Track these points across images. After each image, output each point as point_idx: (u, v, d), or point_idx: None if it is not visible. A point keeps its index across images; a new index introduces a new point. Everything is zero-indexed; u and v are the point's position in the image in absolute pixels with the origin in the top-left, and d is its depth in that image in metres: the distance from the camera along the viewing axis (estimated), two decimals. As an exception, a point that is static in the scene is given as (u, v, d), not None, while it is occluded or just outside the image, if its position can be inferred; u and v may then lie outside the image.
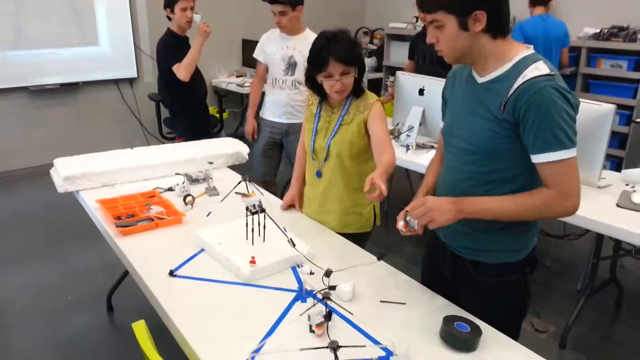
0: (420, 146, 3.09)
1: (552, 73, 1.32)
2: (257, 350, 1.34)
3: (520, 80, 1.33)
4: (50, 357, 2.53)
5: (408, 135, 3.09)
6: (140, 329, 1.34)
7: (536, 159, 1.36)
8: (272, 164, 3.50)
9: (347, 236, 2.00)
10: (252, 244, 1.82)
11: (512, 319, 1.58)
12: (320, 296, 1.47)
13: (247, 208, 1.80)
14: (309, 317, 1.45)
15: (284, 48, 3.22)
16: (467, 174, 1.49)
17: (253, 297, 1.59)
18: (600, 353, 2.63)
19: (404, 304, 1.57)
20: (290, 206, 2.28)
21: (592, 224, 2.30)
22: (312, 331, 1.42)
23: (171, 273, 1.69)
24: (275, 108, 3.34)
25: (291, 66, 3.22)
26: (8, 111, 4.84)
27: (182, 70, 3.36)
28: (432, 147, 3.09)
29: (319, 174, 2.14)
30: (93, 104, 5.29)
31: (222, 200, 2.23)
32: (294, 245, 1.72)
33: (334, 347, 1.14)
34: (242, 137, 3.21)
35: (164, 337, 1.53)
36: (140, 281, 1.72)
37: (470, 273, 1.56)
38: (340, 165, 2.07)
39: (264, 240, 1.85)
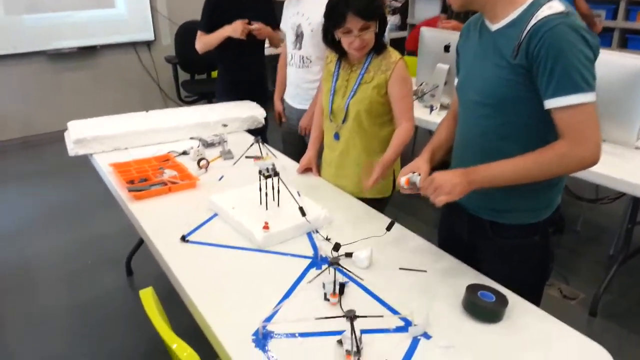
0: (444, 107, 2.94)
1: (566, 11, 1.21)
2: (268, 319, 1.28)
3: (533, 21, 1.23)
4: (73, 316, 2.56)
5: (432, 95, 2.95)
6: (147, 296, 1.29)
7: (550, 104, 1.24)
8: (292, 153, 2.73)
9: (366, 201, 1.91)
10: (266, 209, 1.75)
11: (533, 284, 1.49)
12: (335, 264, 1.39)
13: (260, 172, 1.72)
14: (323, 284, 1.38)
15: (295, 15, 2.56)
16: (481, 128, 1.40)
17: (266, 263, 1.53)
18: (632, 322, 2.53)
19: (425, 271, 1.49)
20: (307, 170, 2.19)
21: (628, 186, 2.15)
22: (326, 299, 1.36)
23: (183, 238, 1.63)
24: (289, 89, 2.76)
25: (299, 38, 2.57)
26: (27, 76, 4.82)
27: (198, 43, 2.94)
28: (458, 107, 2.94)
29: (336, 136, 2.04)
30: (111, 67, 5.23)
31: (234, 164, 2.15)
32: (304, 214, 1.64)
33: (351, 316, 1.07)
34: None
35: (178, 303, 1.49)
36: (152, 247, 1.67)
37: (490, 235, 1.46)
38: (358, 127, 1.97)
39: (278, 205, 1.77)
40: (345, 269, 1.46)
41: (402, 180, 1.42)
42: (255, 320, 1.27)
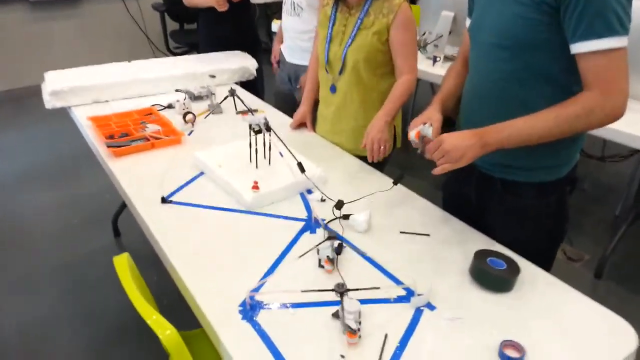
0: (449, 58, 2.76)
1: None
2: (257, 289, 1.16)
3: None
4: (58, 278, 2.45)
5: (436, 46, 2.76)
6: (121, 263, 1.17)
7: (577, 48, 1.09)
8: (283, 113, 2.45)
9: (364, 159, 1.77)
10: (256, 167, 1.61)
11: (546, 248, 1.37)
12: (332, 239, 1.26)
13: (250, 126, 1.57)
14: (317, 250, 1.26)
15: None
16: (498, 74, 1.24)
17: (255, 226, 1.40)
18: (638, 285, 2.45)
19: (428, 235, 1.37)
20: (300, 125, 2.04)
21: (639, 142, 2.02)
22: (321, 266, 1.24)
23: (163, 199, 1.50)
24: (285, 39, 2.53)
25: None
26: (8, 25, 4.56)
27: None
28: (462, 59, 2.76)
29: (333, 89, 1.88)
30: (97, 16, 4.95)
31: (206, 117, 1.99)
32: (303, 170, 1.50)
33: (341, 291, 0.95)
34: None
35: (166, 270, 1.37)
36: (132, 207, 1.54)
37: (502, 196, 1.34)
38: (357, 78, 1.80)
39: (269, 164, 1.63)
40: (341, 239, 1.33)
41: (412, 133, 1.27)
42: (242, 289, 1.15)
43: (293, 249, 1.31)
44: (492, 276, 1.16)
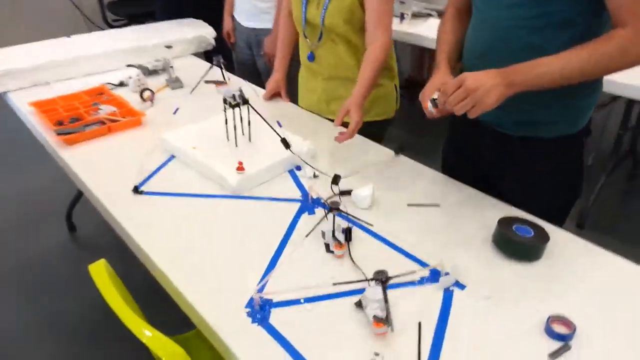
0: (416, 15, 2.62)
1: None
2: (263, 286, 1.01)
3: None
4: (11, 279, 2.20)
5: (402, 2, 2.61)
6: (98, 271, 0.98)
7: None
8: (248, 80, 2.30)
9: (365, 126, 1.62)
10: (236, 145, 1.43)
11: (563, 206, 1.28)
12: (335, 209, 1.11)
13: (225, 100, 1.38)
14: (322, 233, 1.12)
15: None
16: (510, 21, 1.11)
17: (245, 212, 1.24)
18: (620, 233, 2.45)
19: (438, 205, 1.25)
20: (274, 95, 1.86)
21: (625, 88, 1.97)
22: (330, 251, 1.10)
23: (136, 189, 1.30)
24: (238, 2, 2.37)
25: None
26: None
27: None
28: (430, 15, 2.63)
29: (310, 57, 1.69)
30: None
31: (192, 92, 1.79)
32: (287, 146, 1.34)
33: (382, 279, 0.81)
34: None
35: (134, 260, 1.19)
36: (95, 202, 1.33)
37: (518, 156, 1.22)
38: (343, 40, 1.61)
39: (249, 140, 1.46)
40: (346, 213, 1.19)
41: (430, 105, 1.12)
42: (244, 286, 1.00)
43: (293, 234, 1.16)
44: (521, 245, 1.06)
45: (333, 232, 1.09)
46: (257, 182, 1.33)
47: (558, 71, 1.01)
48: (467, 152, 1.35)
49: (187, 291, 1.00)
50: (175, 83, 1.92)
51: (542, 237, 1.07)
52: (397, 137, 1.63)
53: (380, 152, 1.49)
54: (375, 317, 0.88)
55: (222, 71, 1.49)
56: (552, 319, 0.91)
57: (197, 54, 2.30)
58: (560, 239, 1.12)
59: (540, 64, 1.02)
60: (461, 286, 1.01)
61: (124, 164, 1.43)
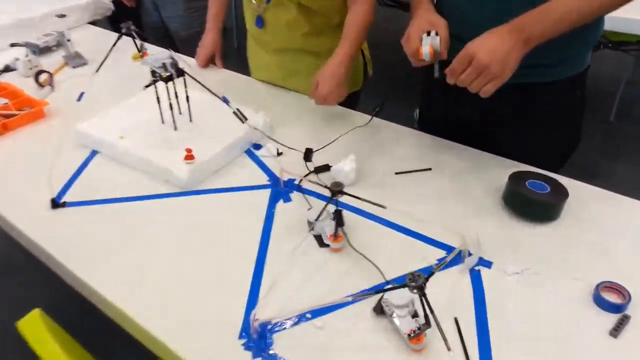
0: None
1: None
2: (252, 306, 0.79)
3: None
4: None
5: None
6: (32, 327, 0.72)
7: None
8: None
9: None
10: (175, 128, 1.17)
11: (563, 154, 1.17)
12: (338, 193, 0.91)
13: (152, 72, 1.10)
14: (310, 224, 0.91)
15: None
16: None
17: (205, 212, 1.00)
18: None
19: (430, 169, 1.08)
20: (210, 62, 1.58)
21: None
22: (324, 245, 0.90)
23: (55, 203, 1.01)
24: None
25: None
26: None
27: None
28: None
29: (259, 22, 1.39)
30: None
31: (97, 71, 1.46)
32: (243, 118, 1.09)
33: (419, 284, 0.62)
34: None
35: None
36: (5, 224, 1.03)
37: (520, 104, 1.07)
38: (296, 1, 1.34)
39: (190, 120, 1.20)
40: (354, 196, 0.99)
41: (426, 50, 0.91)
42: (229, 312, 0.78)
43: (273, 230, 0.94)
44: (539, 203, 0.92)
45: (327, 227, 0.89)
46: (211, 170, 1.09)
47: (575, 11, 0.85)
48: (446, 106, 1.19)
49: (159, 331, 0.77)
50: (75, 59, 1.58)
51: (561, 192, 0.94)
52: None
53: (351, 118, 1.29)
54: (413, 332, 0.71)
55: (134, 40, 1.20)
56: (604, 287, 0.79)
57: (97, 24, 1.93)
58: (577, 189, 1.00)
59: (554, 9, 0.86)
60: (487, 263, 0.86)
61: (33, 170, 1.12)
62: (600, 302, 0.77)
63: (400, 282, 0.81)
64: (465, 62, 0.85)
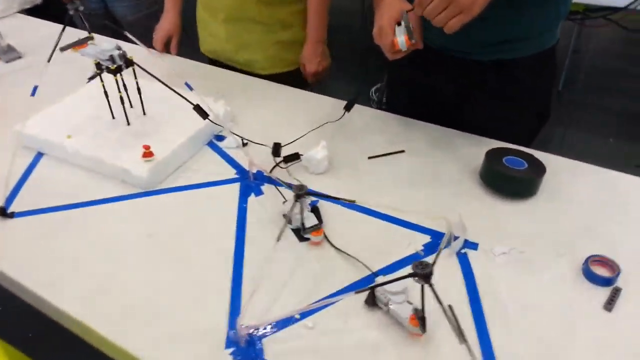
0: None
1: None
2: (234, 318, 0.74)
3: None
4: None
5: None
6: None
7: None
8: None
9: (278, 77, 1.33)
10: (128, 123, 1.08)
11: (534, 130, 1.16)
12: (302, 195, 0.85)
13: (98, 65, 1.01)
14: (286, 217, 0.86)
15: None
16: None
17: (171, 213, 0.92)
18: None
19: (403, 151, 1.05)
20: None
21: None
22: (304, 239, 0.85)
23: (4, 212, 0.91)
24: None
25: None
26: None
27: None
28: None
29: None
30: None
31: (49, 60, 1.32)
32: (205, 115, 1.01)
33: (425, 272, 0.58)
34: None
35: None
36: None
37: (490, 81, 1.05)
38: None
39: (144, 114, 1.11)
40: (322, 195, 0.94)
41: (402, 39, 0.86)
42: (210, 321, 0.72)
43: (247, 228, 0.88)
44: (518, 179, 0.91)
45: (302, 217, 0.84)
46: (173, 167, 1.01)
47: None
48: (420, 87, 1.15)
49: (133, 347, 0.70)
50: (8, 54, 1.44)
51: (539, 167, 0.93)
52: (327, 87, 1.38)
53: (315, 101, 1.24)
54: (415, 310, 0.68)
55: (83, 21, 1.09)
56: (593, 261, 0.78)
57: (28, 13, 1.77)
58: (550, 165, 0.98)
59: None
60: (472, 245, 0.84)
61: (-31, 179, 1.00)
62: (591, 277, 0.77)
63: (390, 272, 0.79)
64: None
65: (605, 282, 0.76)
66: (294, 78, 1.37)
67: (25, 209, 0.93)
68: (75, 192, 0.96)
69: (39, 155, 1.07)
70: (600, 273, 0.77)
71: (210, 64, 1.47)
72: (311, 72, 1.37)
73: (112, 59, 0.99)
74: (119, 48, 1.00)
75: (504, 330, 0.70)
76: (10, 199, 0.95)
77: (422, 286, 0.62)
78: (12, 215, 0.92)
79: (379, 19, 0.90)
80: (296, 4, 1.31)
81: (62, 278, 0.79)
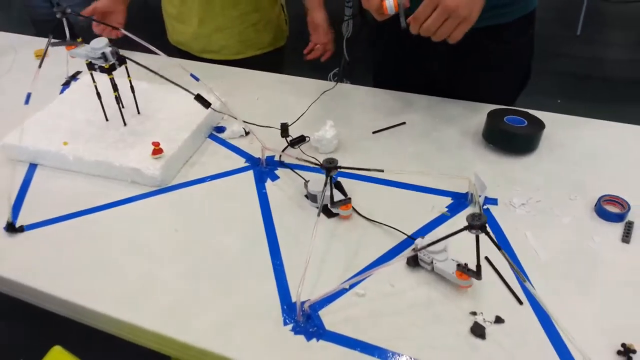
0: None
1: None
2: (286, 293, 0.75)
3: None
4: None
5: None
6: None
7: None
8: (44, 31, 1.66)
9: (255, 61, 1.32)
10: (125, 124, 1.05)
11: (515, 89, 1.22)
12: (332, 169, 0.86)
13: (89, 64, 0.97)
14: (312, 197, 0.88)
15: None
16: None
17: (191, 207, 0.91)
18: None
19: (404, 123, 1.08)
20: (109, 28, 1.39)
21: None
22: (333, 215, 0.87)
23: (12, 227, 0.87)
24: None
25: None
26: None
27: None
28: None
29: None
30: None
31: (39, 66, 1.25)
32: (207, 104, 0.99)
33: (483, 223, 0.61)
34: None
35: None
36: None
37: (483, 45, 1.09)
38: None
39: (138, 112, 1.08)
40: (348, 168, 0.95)
41: (390, 2, 0.87)
42: (263, 303, 0.73)
43: (273, 214, 0.88)
44: (521, 135, 0.96)
45: (332, 192, 0.85)
46: (181, 162, 0.99)
47: None
48: (409, 60, 1.18)
49: (192, 338, 0.69)
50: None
51: (538, 123, 0.99)
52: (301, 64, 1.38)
53: (302, 85, 1.24)
54: (459, 266, 0.71)
55: (68, 22, 1.03)
56: (603, 201, 0.84)
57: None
58: (549, 122, 1.04)
59: None
60: (492, 201, 0.88)
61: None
62: (605, 215, 0.83)
63: (424, 234, 0.82)
64: (430, 9, 0.82)
65: (619, 217, 0.82)
66: (268, 60, 1.37)
67: (35, 222, 0.89)
68: (81, 199, 0.93)
69: (33, 166, 1.02)
70: (613, 210, 0.83)
71: (179, 57, 1.44)
72: (329, 40, 1.31)
73: (104, 56, 0.96)
74: (110, 46, 0.97)
75: (540, 274, 0.75)
76: (15, 213, 0.90)
77: (477, 237, 0.65)
78: (22, 229, 0.87)
79: None
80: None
81: (98, 283, 0.77)
